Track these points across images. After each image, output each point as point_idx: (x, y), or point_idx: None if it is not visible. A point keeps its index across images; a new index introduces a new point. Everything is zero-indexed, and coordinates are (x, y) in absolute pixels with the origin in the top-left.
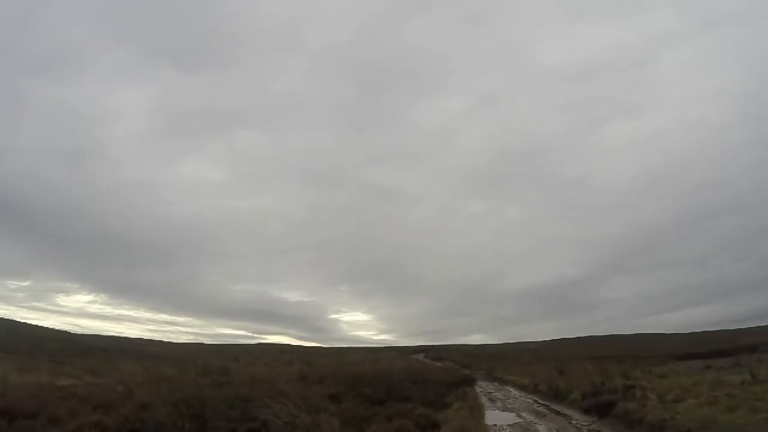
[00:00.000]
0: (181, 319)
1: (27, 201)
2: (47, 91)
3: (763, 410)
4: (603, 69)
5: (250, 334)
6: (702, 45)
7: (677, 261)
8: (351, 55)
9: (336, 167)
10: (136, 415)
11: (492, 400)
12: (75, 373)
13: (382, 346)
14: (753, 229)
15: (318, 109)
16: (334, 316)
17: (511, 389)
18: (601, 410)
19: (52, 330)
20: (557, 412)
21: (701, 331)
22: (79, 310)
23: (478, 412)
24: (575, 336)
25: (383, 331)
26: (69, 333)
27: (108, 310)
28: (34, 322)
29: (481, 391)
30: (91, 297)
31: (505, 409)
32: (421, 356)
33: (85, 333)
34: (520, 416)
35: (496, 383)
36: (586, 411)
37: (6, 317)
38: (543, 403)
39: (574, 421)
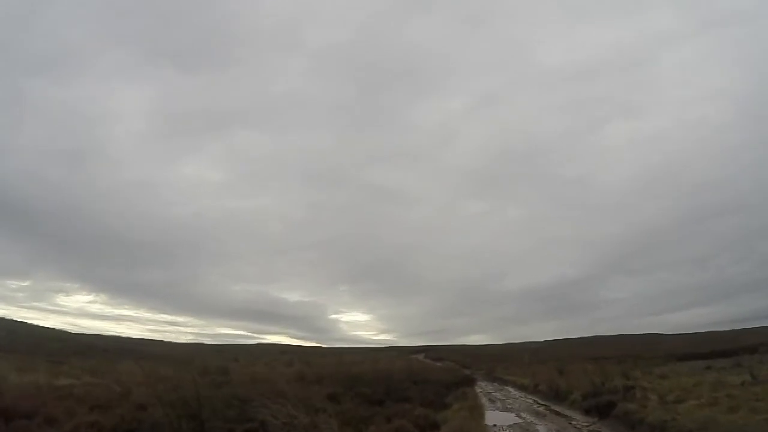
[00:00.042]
0: (181, 319)
1: (27, 201)
2: (47, 91)
3: (764, 411)
4: (603, 69)
5: (250, 334)
6: (702, 45)
7: (677, 261)
8: (351, 55)
9: (336, 167)
10: (133, 416)
11: (492, 401)
12: (74, 373)
13: (382, 346)
14: (753, 229)
15: (318, 109)
16: (334, 316)
17: (511, 389)
18: (601, 411)
19: (52, 330)
20: (557, 413)
21: (701, 332)
22: (79, 310)
23: (477, 412)
24: (575, 336)
25: (383, 331)
26: (69, 333)
27: (108, 310)
28: (34, 322)
29: (480, 392)
30: (91, 297)
31: (505, 410)
32: (421, 356)
33: (85, 333)
34: (520, 417)
35: (496, 383)
36: (587, 411)
37: (6, 317)
38: (543, 403)
39: (574, 422)
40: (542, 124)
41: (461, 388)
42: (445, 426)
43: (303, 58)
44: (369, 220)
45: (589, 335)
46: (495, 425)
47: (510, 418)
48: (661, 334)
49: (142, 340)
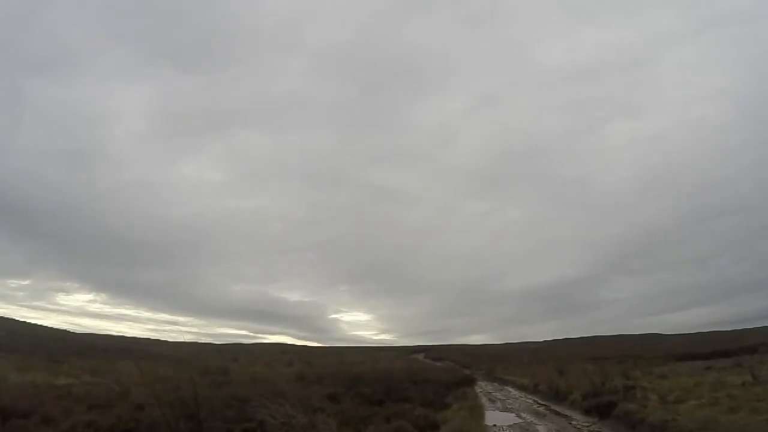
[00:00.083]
0: (181, 319)
1: (27, 201)
2: (47, 91)
3: (765, 411)
4: (603, 69)
5: (250, 333)
6: (702, 45)
7: (678, 261)
8: (351, 55)
9: (336, 167)
10: (131, 415)
11: (492, 401)
12: (73, 372)
13: (382, 346)
14: (753, 229)
15: (318, 109)
16: (334, 316)
17: (511, 389)
18: (601, 411)
19: (52, 329)
20: (557, 413)
21: (701, 332)
22: (79, 310)
23: (477, 412)
24: (575, 336)
25: (383, 331)
26: (68, 332)
27: (108, 309)
28: (34, 321)
29: (480, 392)
30: (91, 296)
31: (504, 410)
32: (421, 356)
33: (85, 332)
34: (520, 417)
35: (496, 383)
36: (587, 412)
37: (6, 316)
38: (543, 403)
39: (574, 422)
40: (542, 124)
41: (461, 388)
42: (444, 426)
43: (303, 58)
44: (369, 220)
45: (589, 335)
46: (495, 425)
47: (510, 418)
48: (661, 334)
49: (142, 339)
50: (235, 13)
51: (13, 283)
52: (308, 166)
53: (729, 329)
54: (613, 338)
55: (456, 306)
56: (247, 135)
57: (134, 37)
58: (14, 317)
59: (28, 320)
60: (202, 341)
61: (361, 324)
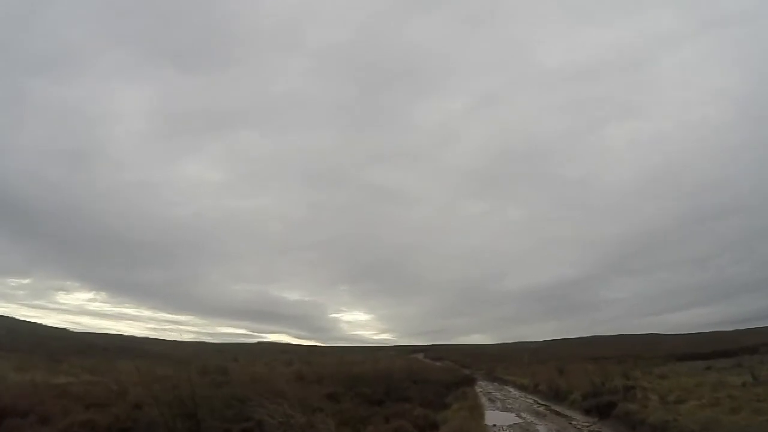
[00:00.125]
0: (181, 318)
1: (28, 200)
2: (47, 91)
3: (766, 412)
4: (603, 69)
5: (250, 333)
6: (702, 45)
7: (678, 261)
8: (351, 55)
9: (336, 167)
10: (129, 414)
11: (492, 401)
12: (73, 371)
13: (382, 345)
14: (753, 229)
15: (318, 109)
16: (334, 315)
17: (510, 389)
18: (601, 411)
19: (52, 328)
20: (557, 413)
21: (701, 332)
22: (79, 308)
23: (477, 412)
24: (575, 336)
25: (383, 331)
26: (68, 331)
27: (108, 308)
28: (34, 320)
29: (480, 391)
30: (91, 295)
31: (504, 410)
32: (420, 356)
33: (85, 331)
34: (520, 417)
35: (495, 383)
36: (587, 412)
37: (6, 315)
38: (543, 403)
39: (574, 422)
40: (542, 124)
41: (461, 388)
42: (444, 426)
43: (303, 58)
44: (369, 220)
45: (589, 335)
46: (495, 425)
47: (510, 418)
48: (661, 334)
49: (142, 338)
50: (235, 13)
51: (14, 282)
52: (308, 166)
53: (729, 329)
54: (613, 338)
55: (456, 306)
56: (247, 135)
57: (134, 37)
58: (14, 316)
59: (28, 319)
60: (203, 340)
61: (361, 323)
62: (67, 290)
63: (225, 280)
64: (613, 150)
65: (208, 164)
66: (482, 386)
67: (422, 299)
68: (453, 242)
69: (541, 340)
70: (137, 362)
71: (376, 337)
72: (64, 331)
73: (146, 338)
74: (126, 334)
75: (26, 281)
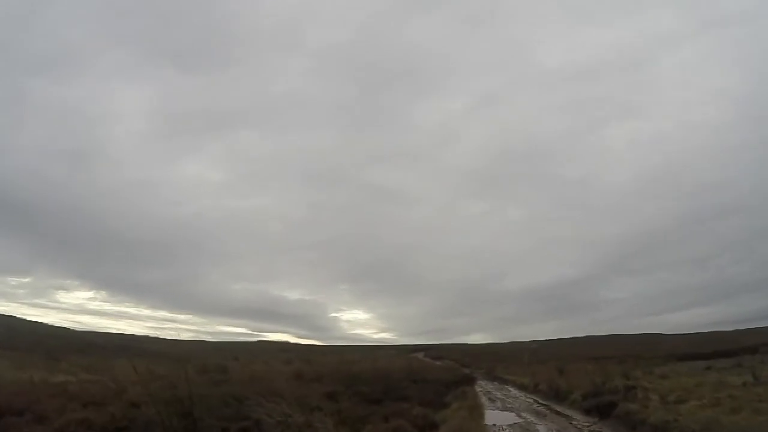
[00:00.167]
0: (181, 317)
1: (28, 199)
2: (48, 91)
3: (767, 412)
4: (603, 69)
5: (250, 332)
6: (702, 45)
7: (678, 261)
8: (351, 55)
9: (336, 167)
10: (125, 413)
11: (492, 400)
12: (71, 370)
13: (382, 344)
14: (754, 229)
15: (318, 109)
16: (334, 314)
17: (510, 389)
18: (602, 411)
19: (52, 327)
20: (558, 413)
21: (702, 332)
22: (80, 307)
23: (477, 412)
24: (575, 336)
25: (383, 330)
26: (68, 330)
27: (108, 307)
28: (33, 319)
29: (480, 391)
30: (91, 294)
31: (504, 409)
32: (420, 355)
33: (84, 330)
34: (520, 416)
35: (495, 383)
36: (587, 411)
37: (5, 313)
38: (543, 403)
39: (574, 422)
40: (542, 124)
41: (461, 387)
42: (444, 425)
43: (303, 58)
44: (369, 220)
45: (589, 335)
46: (495, 425)
47: (510, 418)
48: (661, 334)
49: (141, 337)
50: (235, 13)
51: (14, 280)
52: (308, 166)
53: (729, 329)
54: (613, 338)
55: (456, 306)
56: (247, 135)
57: (134, 37)
58: (14, 314)
59: (27, 317)
60: (202, 339)
61: (361, 323)
62: (67, 289)
63: (225, 279)
64: (613, 150)
65: (208, 164)
66: (482, 385)
67: (422, 299)
68: (453, 242)
69: (541, 339)
70: (136, 361)
71: (376, 336)
72: (64, 329)
73: (146, 337)
74: (126, 332)
75: (26, 280)
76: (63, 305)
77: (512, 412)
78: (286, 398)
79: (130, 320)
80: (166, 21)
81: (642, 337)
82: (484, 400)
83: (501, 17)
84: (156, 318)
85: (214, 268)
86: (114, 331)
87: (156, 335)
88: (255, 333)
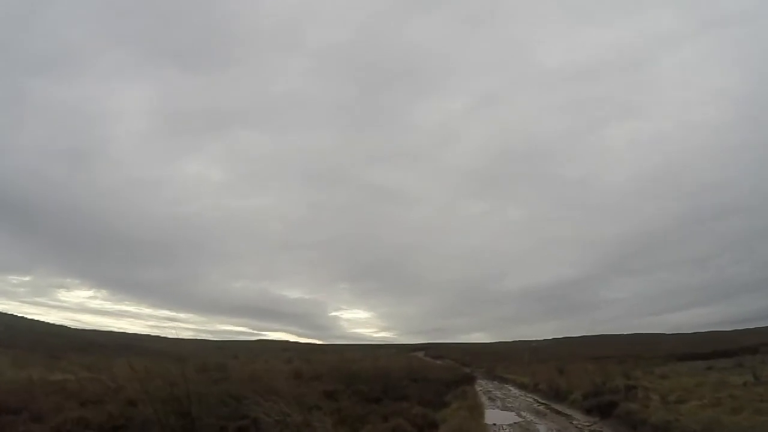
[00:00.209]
0: (182, 316)
1: (29, 198)
2: (48, 91)
3: None
4: (603, 69)
5: (250, 330)
6: (702, 45)
7: (678, 261)
8: (351, 55)
9: (336, 167)
10: (122, 412)
11: (492, 399)
12: (71, 368)
13: (382, 343)
14: (754, 230)
15: (318, 109)
16: (334, 313)
17: (511, 388)
18: (602, 410)
19: (52, 325)
20: (558, 412)
21: (702, 332)
22: (80, 306)
23: (477, 411)
24: (575, 335)
25: (383, 329)
26: (68, 328)
27: (109, 305)
28: (34, 317)
29: (480, 390)
30: (91, 292)
31: (504, 408)
32: (421, 354)
33: (85, 328)
34: (520, 415)
35: (495, 382)
36: (588, 411)
37: (6, 312)
38: (543, 402)
39: (575, 422)
40: (542, 124)
41: (461, 387)
42: (444, 425)
43: (303, 58)
44: (369, 220)
45: (589, 335)
46: (495, 424)
47: (510, 417)
48: (661, 334)
49: (142, 336)
50: (235, 13)
51: (14, 279)
52: (308, 166)
53: (729, 329)
54: (614, 338)
55: (456, 305)
56: (247, 135)
57: (134, 37)
58: (15, 313)
59: (28, 316)
60: (203, 338)
61: (361, 322)
62: (67, 288)
63: (225, 278)
64: (613, 150)
65: (208, 164)
66: (482, 385)
67: (422, 298)
68: (453, 242)
69: (541, 339)
70: (135, 359)
71: (376, 335)
72: (64, 328)
73: (146, 335)
74: (126, 331)
75: (27, 278)
76: (64, 304)
77: (512, 411)
78: (284, 397)
79: (131, 319)
80: (166, 21)
81: (642, 337)
82: (484, 399)
83: (501, 17)
84: (157, 317)
85: (215, 267)
86: (115, 330)
87: (157, 334)
88: (255, 332)
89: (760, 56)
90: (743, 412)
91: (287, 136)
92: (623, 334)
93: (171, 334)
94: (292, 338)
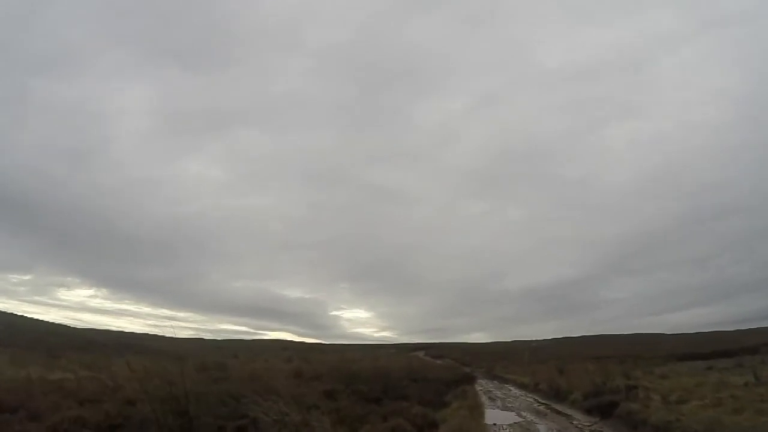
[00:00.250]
0: (182, 315)
1: (30, 197)
2: (48, 91)
3: None
4: (603, 69)
5: (251, 330)
6: (702, 45)
7: (678, 261)
8: (351, 55)
9: (336, 167)
10: (120, 411)
11: (492, 399)
12: (70, 367)
13: (383, 343)
14: (753, 229)
15: (318, 109)
16: (334, 313)
17: (511, 388)
18: (603, 411)
19: (52, 324)
20: (558, 412)
21: (702, 332)
22: (80, 305)
23: (477, 411)
24: (575, 335)
25: (384, 329)
26: (68, 327)
27: (109, 304)
28: (34, 316)
29: (481, 390)
30: (92, 291)
31: (505, 408)
32: (421, 354)
33: (85, 327)
34: (520, 415)
35: (496, 381)
36: (588, 411)
37: (6, 311)
38: (543, 402)
39: (575, 422)
40: (542, 124)
41: (461, 386)
42: (444, 425)
43: (303, 58)
44: (369, 220)
45: (589, 335)
46: (495, 424)
47: (510, 417)
48: (661, 334)
49: (142, 335)
50: (235, 13)
51: (15, 278)
52: (308, 165)
53: (729, 329)
54: (613, 338)
55: (456, 305)
56: (247, 135)
57: (134, 37)
58: (15, 312)
59: (27, 315)
60: (203, 337)
61: (361, 321)
62: (68, 286)
63: (226, 277)
64: (613, 150)
65: (208, 163)
66: (482, 384)
67: (422, 298)
68: (453, 242)
69: (541, 339)
70: (135, 358)
71: (376, 335)
72: (64, 327)
73: (146, 334)
74: (126, 330)
75: (27, 277)
76: (64, 303)
77: (512, 411)
78: (283, 396)
79: (131, 318)
80: (167, 21)
81: (642, 337)
82: (484, 399)
83: (501, 17)
84: (157, 316)
85: (215, 267)
86: (115, 329)
87: (157, 333)
88: (255, 331)
89: (760, 56)
90: (744, 413)
91: (287, 136)
92: (623, 334)
93: (170, 333)
94: (292, 338)
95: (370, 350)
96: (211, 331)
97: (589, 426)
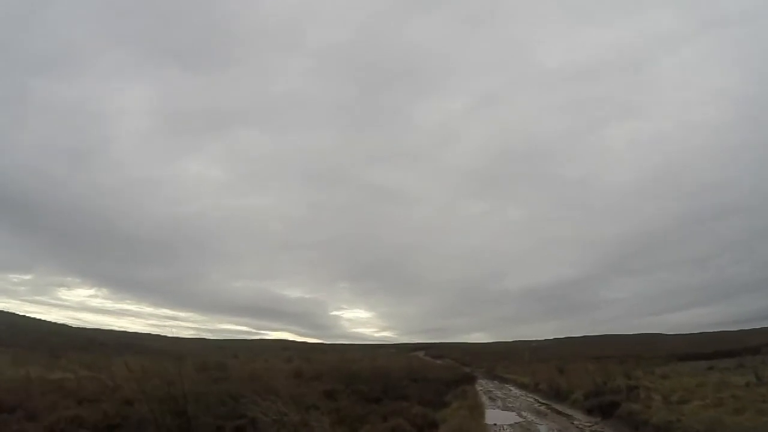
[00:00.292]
0: (182, 314)
1: (30, 196)
2: (49, 90)
3: None
4: (603, 69)
5: (251, 330)
6: (702, 45)
7: (678, 261)
8: (351, 55)
9: (336, 167)
10: (118, 411)
11: (492, 399)
12: (70, 367)
13: (383, 343)
14: (753, 229)
15: (318, 109)
16: (335, 313)
17: (511, 388)
18: (604, 411)
19: (53, 324)
20: (559, 412)
21: (702, 332)
22: (81, 304)
23: (477, 411)
24: (576, 335)
25: (384, 329)
26: (69, 327)
27: (109, 304)
28: (35, 316)
29: (481, 390)
30: (92, 291)
31: (505, 408)
32: (421, 354)
33: (85, 327)
34: (520, 415)
35: (496, 381)
36: (589, 411)
37: (6, 311)
38: (544, 402)
39: (576, 422)
40: (542, 124)
41: (461, 386)
42: (444, 425)
43: (303, 58)
44: (369, 220)
45: (590, 335)
46: (495, 424)
47: (511, 417)
48: (662, 334)
49: (143, 334)
50: (235, 13)
51: (15, 277)
52: (308, 165)
53: (729, 329)
54: (614, 338)
55: (456, 305)
56: (247, 135)
57: (134, 37)
58: (16, 312)
59: (28, 315)
60: (203, 337)
61: (361, 321)
62: (68, 286)
63: (226, 277)
64: (613, 150)
65: (208, 163)
66: (483, 384)
67: (423, 298)
68: (453, 242)
69: (541, 339)
70: (135, 358)
71: (376, 335)
72: (65, 327)
73: (147, 334)
74: (127, 330)
75: (28, 277)
76: (64, 303)
77: (513, 411)
78: (283, 396)
79: (132, 318)
80: (167, 21)
81: (642, 337)
82: (484, 399)
83: (501, 17)
84: (157, 315)
85: (215, 267)
86: (116, 329)
87: (157, 333)
88: (256, 331)
89: (760, 56)
90: (746, 413)
91: (287, 136)
92: (623, 334)
93: (170, 333)
94: (293, 337)
95: (371, 350)
96: (211, 331)
97: (590, 426)
